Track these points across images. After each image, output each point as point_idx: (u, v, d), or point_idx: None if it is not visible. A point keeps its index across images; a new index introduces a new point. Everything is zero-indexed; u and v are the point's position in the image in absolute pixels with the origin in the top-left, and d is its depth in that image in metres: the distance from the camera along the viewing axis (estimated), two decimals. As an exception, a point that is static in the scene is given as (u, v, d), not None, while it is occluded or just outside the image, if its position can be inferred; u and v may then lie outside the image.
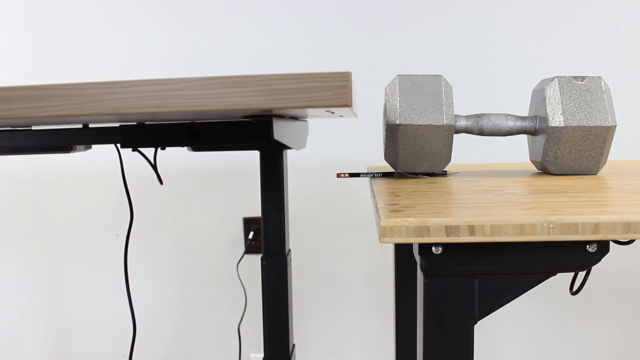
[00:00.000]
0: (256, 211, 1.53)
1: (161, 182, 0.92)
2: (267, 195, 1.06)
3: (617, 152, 1.47)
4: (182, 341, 1.60)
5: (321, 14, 1.46)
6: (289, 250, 1.13)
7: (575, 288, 0.60)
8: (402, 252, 1.06)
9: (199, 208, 1.54)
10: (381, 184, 0.70)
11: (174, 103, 0.49)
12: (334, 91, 0.47)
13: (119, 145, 0.80)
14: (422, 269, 0.49)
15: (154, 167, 0.89)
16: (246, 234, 1.53)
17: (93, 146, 1.53)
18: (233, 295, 1.57)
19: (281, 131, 0.81)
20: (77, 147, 0.81)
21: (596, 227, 0.45)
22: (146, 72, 1.49)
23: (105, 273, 1.58)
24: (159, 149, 0.81)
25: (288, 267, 1.09)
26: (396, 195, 0.58)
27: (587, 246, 0.48)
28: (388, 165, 1.15)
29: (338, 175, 0.76)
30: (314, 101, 0.48)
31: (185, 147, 1.51)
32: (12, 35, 1.50)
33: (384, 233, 0.45)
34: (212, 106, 0.49)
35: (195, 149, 0.84)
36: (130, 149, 0.85)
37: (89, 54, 1.50)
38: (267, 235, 1.07)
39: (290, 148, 0.97)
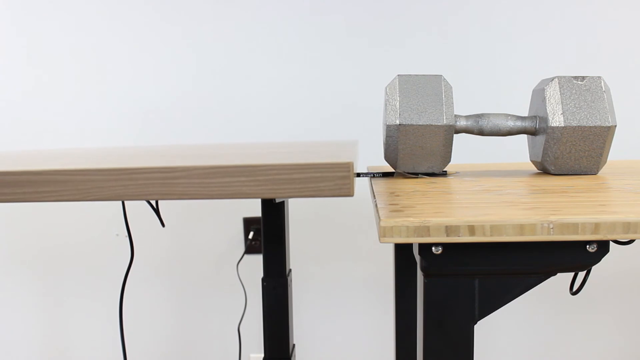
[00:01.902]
0: (256, 211, 1.53)
1: (163, 225, 0.93)
2: (268, 224, 1.07)
3: (617, 152, 1.47)
4: (182, 341, 1.60)
5: (326, 15, 1.46)
6: (290, 270, 1.14)
7: (575, 288, 0.60)
8: (402, 252, 1.06)
9: (199, 208, 1.54)
10: (381, 184, 0.70)
11: (177, 191, 0.50)
12: (335, 182, 0.48)
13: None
14: (422, 269, 0.49)
15: (157, 211, 0.90)
16: (246, 234, 1.53)
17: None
18: (233, 295, 1.57)
19: None
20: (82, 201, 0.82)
21: (596, 227, 0.45)
22: (150, 81, 1.49)
23: (105, 274, 1.58)
24: None
25: (289, 288, 1.10)
26: (396, 195, 0.58)
27: (587, 246, 0.48)
28: (388, 165, 1.15)
29: None
30: (316, 191, 0.48)
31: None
32: (10, 40, 1.50)
33: (384, 233, 0.45)
34: (214, 195, 0.49)
35: None
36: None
37: (89, 65, 1.50)
38: (267, 257, 1.08)
39: None
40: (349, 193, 0.48)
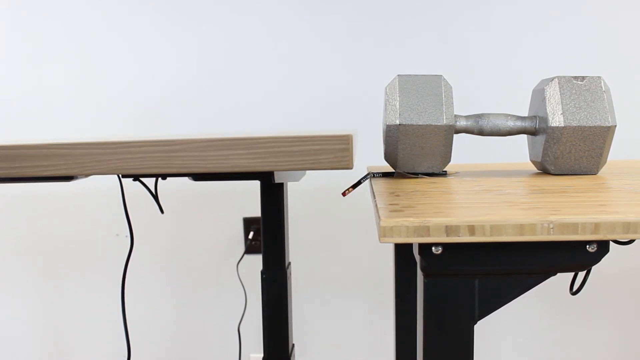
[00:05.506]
0: (256, 211, 1.53)
1: (162, 211, 0.92)
2: (268, 216, 1.07)
3: (617, 152, 1.47)
4: (182, 341, 1.60)
5: (326, 15, 1.46)
6: (289, 263, 1.14)
7: (575, 288, 0.60)
8: (402, 252, 1.06)
9: (199, 208, 1.54)
10: (381, 184, 0.70)
11: (175, 164, 0.49)
12: (334, 154, 0.47)
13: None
14: (422, 269, 0.49)
15: (155, 197, 0.89)
16: (246, 234, 1.53)
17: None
18: (233, 295, 1.57)
19: (283, 173, 0.80)
20: (79, 175, 0.81)
21: (596, 227, 0.45)
22: (151, 82, 1.49)
23: (105, 274, 1.58)
24: (159, 178, 0.80)
25: (288, 281, 1.10)
26: (396, 195, 0.58)
27: (587, 246, 0.48)
28: (388, 165, 1.15)
29: (344, 194, 0.75)
30: (315, 164, 0.48)
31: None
32: (10, 42, 1.51)
33: (384, 233, 0.45)
34: (213, 168, 0.48)
35: (197, 179, 0.84)
36: (132, 178, 0.85)
37: (89, 65, 1.50)
38: (267, 249, 1.08)
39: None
40: (348, 165, 0.48)
